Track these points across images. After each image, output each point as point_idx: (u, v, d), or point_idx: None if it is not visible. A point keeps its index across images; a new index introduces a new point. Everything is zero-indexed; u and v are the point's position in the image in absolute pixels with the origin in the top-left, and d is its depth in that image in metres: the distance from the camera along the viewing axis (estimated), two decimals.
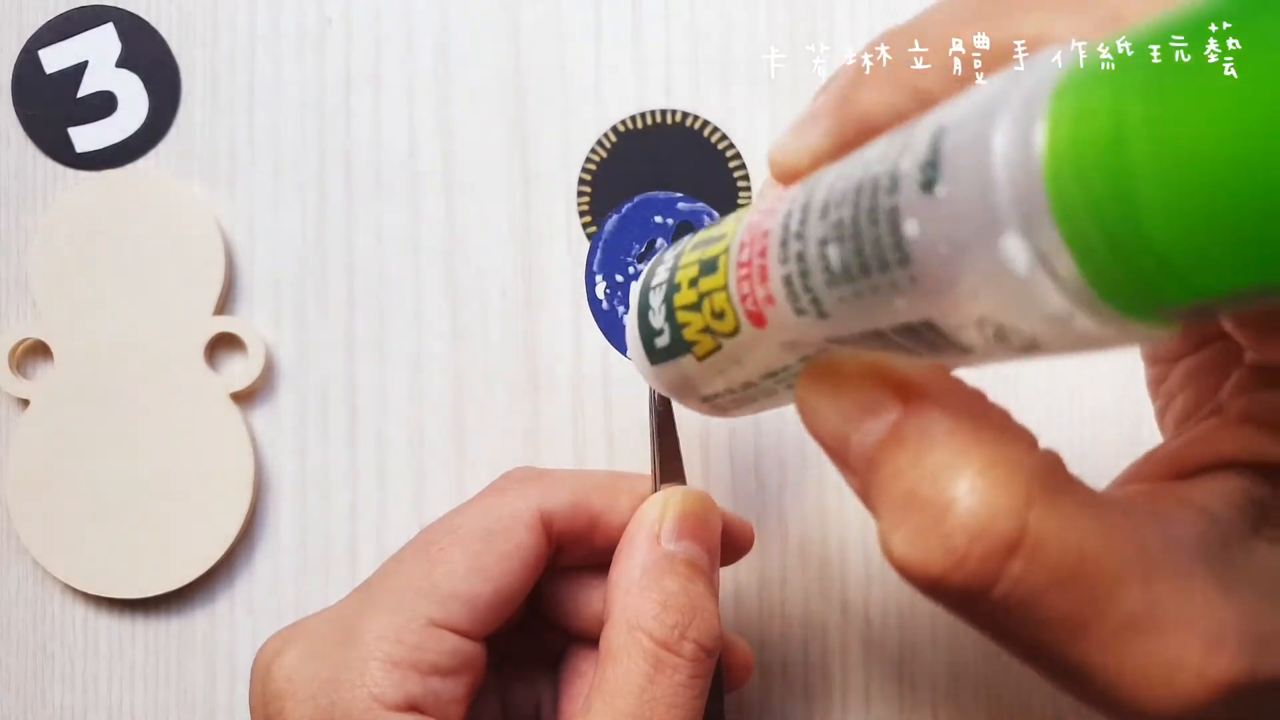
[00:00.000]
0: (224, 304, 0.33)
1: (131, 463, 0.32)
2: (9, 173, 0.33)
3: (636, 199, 0.31)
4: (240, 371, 0.32)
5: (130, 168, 0.33)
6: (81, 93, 0.33)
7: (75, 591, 0.33)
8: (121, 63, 0.33)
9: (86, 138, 0.33)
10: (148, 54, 0.33)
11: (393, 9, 0.33)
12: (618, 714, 0.22)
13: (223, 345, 0.33)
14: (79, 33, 0.33)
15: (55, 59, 0.33)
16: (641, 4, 0.33)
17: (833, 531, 0.32)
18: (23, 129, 0.33)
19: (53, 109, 0.33)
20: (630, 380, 0.32)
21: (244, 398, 0.32)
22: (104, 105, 0.33)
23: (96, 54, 0.33)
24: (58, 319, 0.32)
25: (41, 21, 0.33)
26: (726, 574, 0.32)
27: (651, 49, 0.33)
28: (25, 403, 0.32)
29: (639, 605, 0.23)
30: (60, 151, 0.33)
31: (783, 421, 0.32)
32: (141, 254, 0.32)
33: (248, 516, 0.32)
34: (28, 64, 0.33)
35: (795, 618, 0.32)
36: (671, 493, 0.25)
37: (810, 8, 0.33)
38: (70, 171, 0.33)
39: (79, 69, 0.33)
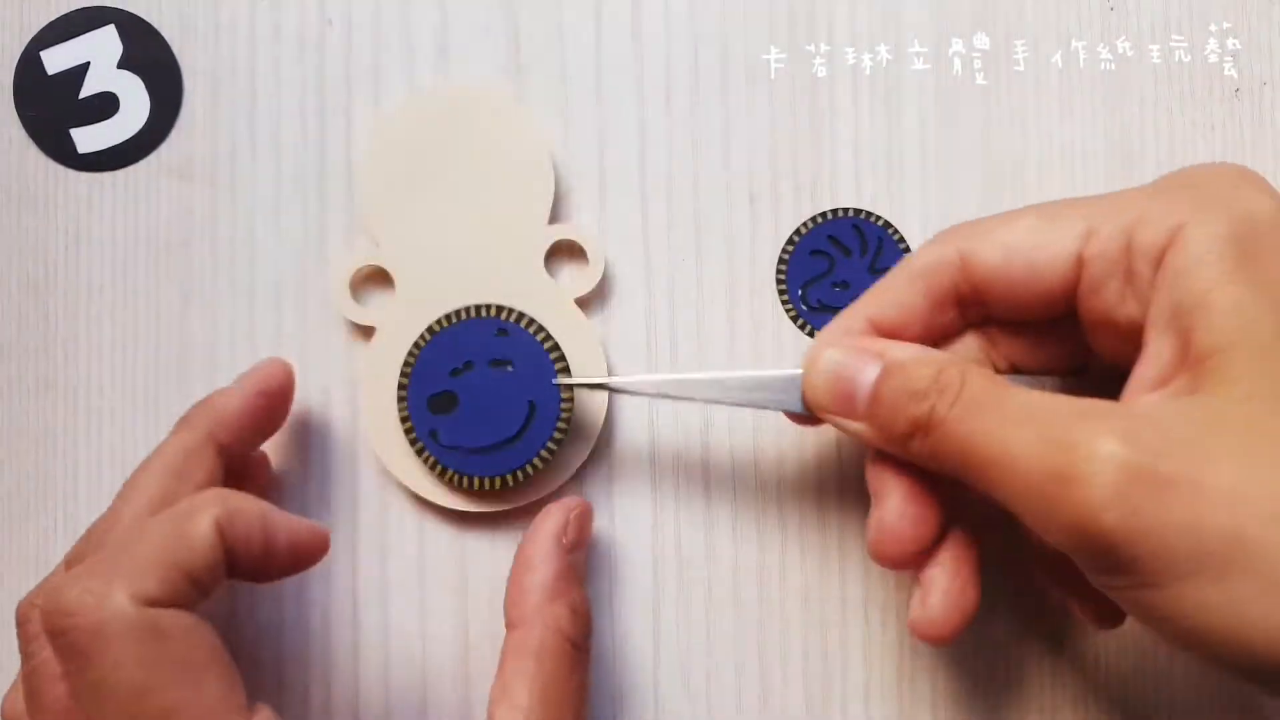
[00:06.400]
0: None
1: None
2: (10, 174, 0.33)
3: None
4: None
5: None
6: (83, 94, 0.33)
7: None
8: (123, 64, 0.33)
9: (88, 139, 0.33)
10: (149, 55, 0.33)
11: (393, 10, 0.33)
12: (549, 703, 0.27)
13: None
14: (81, 34, 0.33)
15: (57, 60, 0.33)
16: (641, 4, 0.33)
17: (833, 531, 0.32)
18: (24, 130, 0.33)
19: (55, 110, 0.33)
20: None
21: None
22: (106, 106, 0.33)
23: (98, 55, 0.33)
24: (394, 243, 0.32)
25: (43, 23, 0.33)
26: (727, 574, 0.32)
27: (651, 50, 0.33)
28: (370, 330, 0.32)
29: (558, 612, 0.28)
30: (62, 153, 0.33)
31: (781, 420, 0.32)
32: (475, 171, 0.32)
33: None
34: (30, 65, 0.33)
35: (795, 617, 0.32)
36: (573, 503, 0.30)
37: (810, 8, 0.33)
38: (73, 173, 0.33)
39: (81, 70, 0.33)
